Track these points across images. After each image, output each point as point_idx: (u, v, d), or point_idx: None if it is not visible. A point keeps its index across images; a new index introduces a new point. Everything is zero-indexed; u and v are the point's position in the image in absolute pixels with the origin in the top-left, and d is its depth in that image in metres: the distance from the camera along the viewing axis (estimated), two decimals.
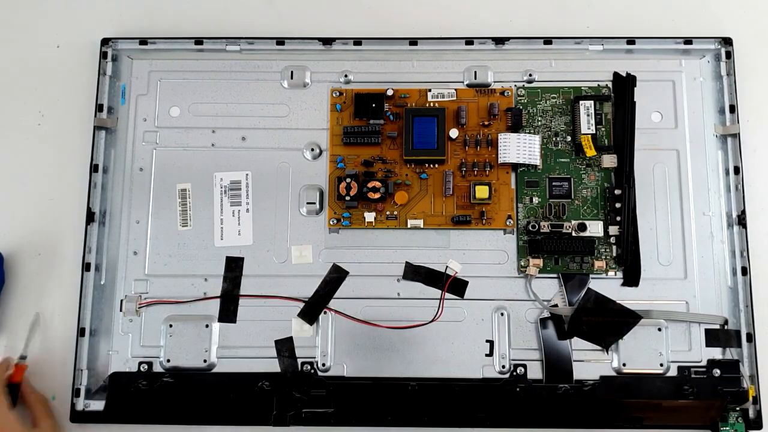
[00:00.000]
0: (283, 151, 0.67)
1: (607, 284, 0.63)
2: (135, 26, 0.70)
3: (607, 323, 0.62)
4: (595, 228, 0.63)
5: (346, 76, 0.68)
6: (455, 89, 0.67)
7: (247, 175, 0.66)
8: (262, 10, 0.71)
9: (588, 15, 0.70)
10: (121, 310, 0.64)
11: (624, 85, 0.66)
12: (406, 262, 0.64)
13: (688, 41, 0.67)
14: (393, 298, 0.64)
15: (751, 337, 0.62)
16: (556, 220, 0.64)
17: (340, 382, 0.62)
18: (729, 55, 0.67)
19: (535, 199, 0.65)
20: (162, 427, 0.62)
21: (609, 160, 0.65)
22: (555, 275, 0.64)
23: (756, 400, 0.61)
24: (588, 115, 0.65)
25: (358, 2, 0.71)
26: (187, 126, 0.67)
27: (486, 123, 0.66)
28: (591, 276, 0.63)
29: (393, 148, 0.66)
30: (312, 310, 0.64)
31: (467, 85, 0.67)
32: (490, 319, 0.63)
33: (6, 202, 0.67)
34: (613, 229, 0.64)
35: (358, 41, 0.68)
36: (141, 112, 0.67)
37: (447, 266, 0.64)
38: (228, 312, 0.64)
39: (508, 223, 0.64)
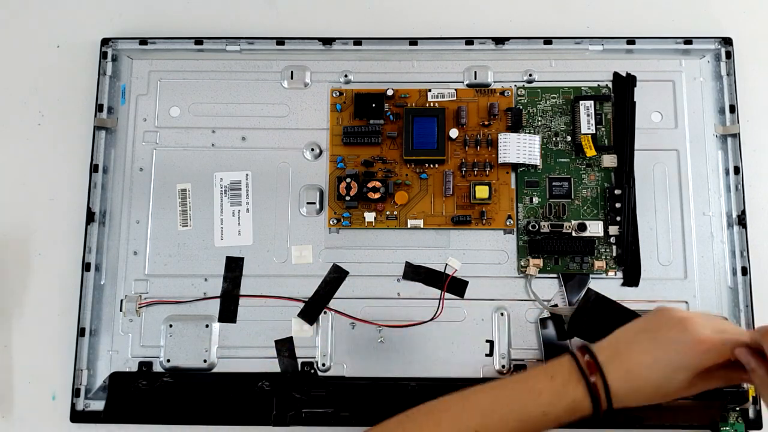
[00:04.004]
0: (283, 151, 0.67)
1: (607, 284, 0.63)
2: (135, 26, 0.70)
3: (607, 323, 0.62)
4: (595, 228, 0.63)
5: (346, 76, 0.68)
6: (455, 89, 0.67)
7: (247, 175, 0.66)
8: (262, 10, 0.71)
9: (588, 15, 0.70)
10: (121, 310, 0.64)
11: (624, 85, 0.66)
12: (406, 262, 0.65)
13: (688, 41, 0.67)
14: (393, 298, 0.64)
15: None
16: (556, 220, 0.64)
17: (339, 382, 0.62)
18: (729, 55, 0.67)
19: (535, 199, 0.65)
20: (162, 427, 0.62)
21: (609, 160, 0.65)
22: (555, 275, 0.64)
23: (756, 400, 0.61)
24: (588, 115, 0.65)
25: (358, 2, 0.71)
26: (187, 126, 0.67)
27: (486, 123, 0.66)
28: (591, 276, 0.63)
29: (393, 148, 0.66)
30: (312, 310, 0.64)
31: (467, 85, 0.67)
32: (490, 319, 0.63)
33: (6, 202, 0.67)
34: (613, 229, 0.64)
35: (358, 41, 0.68)
36: (141, 112, 0.68)
37: (446, 264, 0.64)
38: (228, 312, 0.64)
39: (508, 223, 0.64)
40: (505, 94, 0.66)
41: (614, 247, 0.64)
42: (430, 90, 0.67)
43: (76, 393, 0.62)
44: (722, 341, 0.48)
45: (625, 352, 0.50)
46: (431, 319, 0.63)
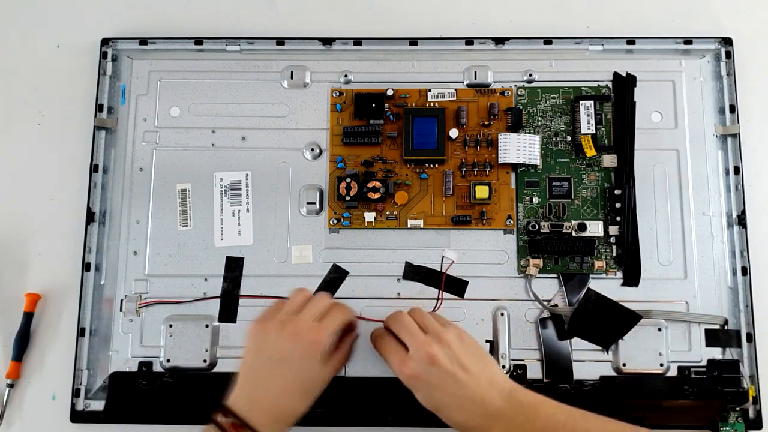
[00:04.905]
0: (283, 151, 0.67)
1: (607, 284, 0.63)
2: (135, 26, 0.70)
3: (607, 323, 0.62)
4: (595, 228, 0.63)
5: (346, 76, 0.68)
6: (455, 89, 0.67)
7: (247, 175, 0.66)
8: (262, 10, 0.71)
9: (588, 15, 0.70)
10: (121, 310, 0.64)
11: (624, 85, 0.66)
12: (406, 262, 0.64)
13: (688, 41, 0.67)
14: (393, 298, 0.64)
15: (751, 337, 0.62)
16: (556, 220, 0.64)
17: (340, 382, 0.62)
18: (729, 55, 0.67)
19: (535, 199, 0.65)
20: (162, 427, 0.62)
21: (609, 160, 0.65)
22: (555, 275, 0.64)
23: (756, 400, 0.61)
24: (588, 115, 0.65)
25: (358, 2, 0.71)
26: (187, 126, 0.67)
27: (486, 123, 0.66)
28: (591, 276, 0.63)
29: (393, 148, 0.66)
30: None
31: (467, 85, 0.67)
32: (490, 319, 0.63)
33: (6, 202, 0.67)
34: (613, 229, 0.64)
35: (358, 41, 0.68)
36: (141, 112, 0.68)
37: (443, 256, 0.64)
38: (228, 312, 0.64)
39: (508, 223, 0.64)
40: (505, 94, 0.66)
41: (614, 247, 0.64)
42: (430, 90, 0.67)
43: (76, 393, 0.62)
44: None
45: (260, 391, 0.52)
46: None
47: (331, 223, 0.65)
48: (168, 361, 0.63)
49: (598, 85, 0.67)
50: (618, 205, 0.64)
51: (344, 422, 0.61)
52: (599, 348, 0.62)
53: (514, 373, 0.62)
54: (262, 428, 0.50)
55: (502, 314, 0.63)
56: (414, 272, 0.64)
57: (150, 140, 0.67)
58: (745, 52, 0.68)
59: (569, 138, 0.66)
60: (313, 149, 0.66)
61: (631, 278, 0.63)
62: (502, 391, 0.51)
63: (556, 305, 0.63)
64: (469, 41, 0.68)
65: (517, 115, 0.65)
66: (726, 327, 0.63)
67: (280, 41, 0.68)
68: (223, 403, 0.52)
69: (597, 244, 0.64)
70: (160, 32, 0.69)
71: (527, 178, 0.65)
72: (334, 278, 0.64)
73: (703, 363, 0.62)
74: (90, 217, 0.65)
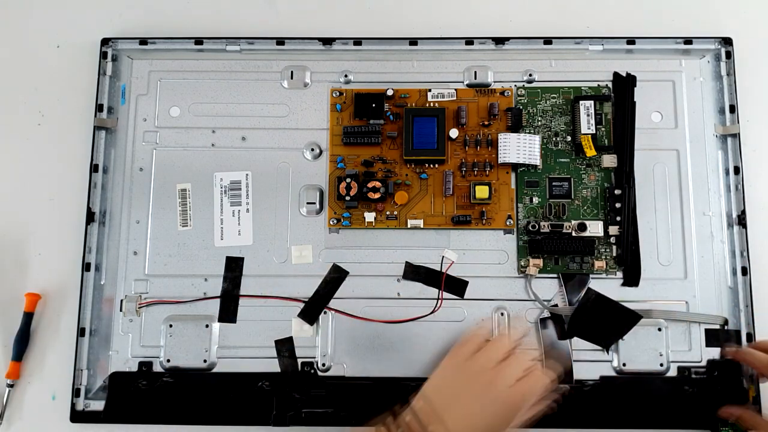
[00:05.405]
0: (283, 151, 0.67)
1: (607, 284, 0.63)
2: (135, 26, 0.70)
3: (607, 323, 0.62)
4: (595, 228, 0.63)
5: (346, 76, 0.68)
6: (455, 89, 0.67)
7: (247, 175, 0.66)
8: (262, 10, 0.71)
9: (588, 15, 0.70)
10: (121, 310, 0.64)
11: (624, 85, 0.66)
12: (406, 262, 0.64)
13: (688, 41, 0.67)
14: (393, 298, 0.64)
15: (751, 337, 0.62)
16: (556, 220, 0.64)
17: (339, 382, 0.62)
18: (729, 55, 0.67)
19: (535, 199, 0.65)
20: (162, 427, 0.62)
21: (609, 160, 0.65)
22: (555, 275, 0.64)
23: (756, 400, 0.61)
24: (588, 115, 0.65)
25: (358, 2, 0.71)
26: (187, 126, 0.67)
27: (486, 123, 0.66)
28: (591, 276, 0.63)
29: (393, 148, 0.66)
30: (312, 310, 0.64)
31: (467, 85, 0.67)
32: (490, 319, 0.63)
33: (6, 202, 0.67)
34: (613, 229, 0.64)
35: (358, 41, 0.68)
36: (141, 112, 0.68)
37: (443, 257, 0.64)
38: (228, 312, 0.64)
39: (508, 223, 0.64)
40: (505, 94, 0.66)
41: (614, 247, 0.64)
42: (430, 90, 0.67)
43: (76, 393, 0.62)
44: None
45: (445, 413, 0.51)
46: (431, 313, 0.63)
47: (331, 223, 0.65)
48: (168, 361, 0.63)
49: (598, 85, 0.67)
50: (618, 205, 0.64)
51: (344, 422, 0.61)
52: (599, 348, 0.62)
53: None
54: None
55: (502, 314, 0.63)
56: (414, 272, 0.64)
57: (150, 140, 0.67)
58: (745, 52, 0.68)
59: (569, 138, 0.66)
60: (313, 149, 0.66)
61: (631, 278, 0.63)
62: None
63: (556, 305, 0.63)
64: (469, 41, 0.68)
65: (517, 115, 0.65)
66: (726, 327, 0.63)
67: (280, 41, 0.68)
68: (407, 405, 0.53)
69: (597, 244, 0.64)
70: (160, 32, 0.69)
71: (527, 178, 0.65)
72: (334, 278, 0.64)
73: (703, 363, 0.62)
74: (90, 217, 0.65)
